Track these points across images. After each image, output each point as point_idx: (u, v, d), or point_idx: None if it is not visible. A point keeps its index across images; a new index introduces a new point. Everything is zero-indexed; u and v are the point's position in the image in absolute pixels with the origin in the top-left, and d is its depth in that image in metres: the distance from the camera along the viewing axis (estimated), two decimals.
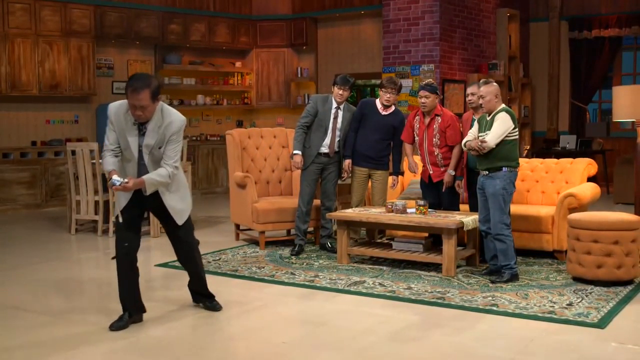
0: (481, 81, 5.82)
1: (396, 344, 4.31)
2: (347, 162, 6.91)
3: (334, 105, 6.89)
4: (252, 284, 5.82)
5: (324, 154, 6.92)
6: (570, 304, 5.04)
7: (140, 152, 4.51)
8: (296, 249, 6.91)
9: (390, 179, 7.02)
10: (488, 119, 5.70)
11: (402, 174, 7.22)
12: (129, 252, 4.66)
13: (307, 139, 6.92)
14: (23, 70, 10.34)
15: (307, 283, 5.77)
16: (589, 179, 7.11)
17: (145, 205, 4.77)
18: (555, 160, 7.50)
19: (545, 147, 12.27)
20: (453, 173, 6.38)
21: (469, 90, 6.34)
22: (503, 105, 5.72)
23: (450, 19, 10.68)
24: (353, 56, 12.49)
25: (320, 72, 12.93)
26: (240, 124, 13.22)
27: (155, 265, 6.55)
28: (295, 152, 6.89)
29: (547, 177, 7.13)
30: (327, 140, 6.89)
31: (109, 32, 11.24)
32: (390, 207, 6.38)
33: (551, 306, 4.99)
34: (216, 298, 5.05)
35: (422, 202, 6.25)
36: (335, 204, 7.24)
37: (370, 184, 7.04)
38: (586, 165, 7.08)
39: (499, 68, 11.42)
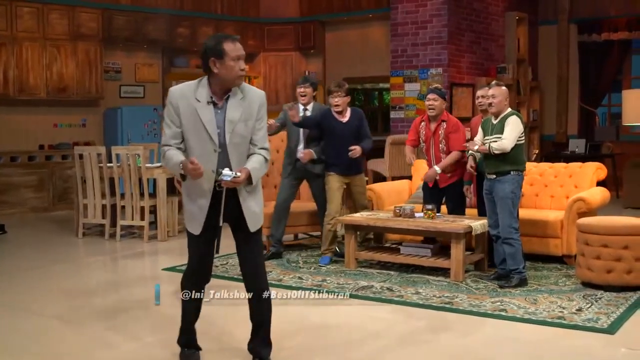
0: (493, 82, 5.81)
1: (405, 348, 4.30)
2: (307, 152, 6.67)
3: (301, 108, 6.80)
4: None
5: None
6: (579, 309, 5.00)
7: (219, 134, 3.57)
8: (269, 254, 6.73)
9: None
10: (494, 122, 5.68)
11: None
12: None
13: (285, 150, 6.89)
14: (31, 73, 10.35)
15: (314, 287, 5.75)
16: (598, 183, 7.07)
17: (220, 218, 3.69)
18: (564, 164, 7.47)
19: (554, 151, 12.21)
20: (439, 170, 6.28)
21: (479, 92, 6.31)
22: (510, 109, 5.70)
23: (458, 23, 10.65)
24: (361, 59, 12.45)
25: (328, 75, 12.88)
26: None
27: (162, 270, 6.54)
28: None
29: (556, 181, 7.08)
30: (301, 146, 6.78)
31: (116, 36, 11.24)
32: (398, 211, 6.35)
33: (560, 311, 4.95)
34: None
35: (430, 207, 6.22)
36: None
37: (350, 189, 6.83)
38: (595, 169, 7.03)
39: (507, 71, 11.39)
